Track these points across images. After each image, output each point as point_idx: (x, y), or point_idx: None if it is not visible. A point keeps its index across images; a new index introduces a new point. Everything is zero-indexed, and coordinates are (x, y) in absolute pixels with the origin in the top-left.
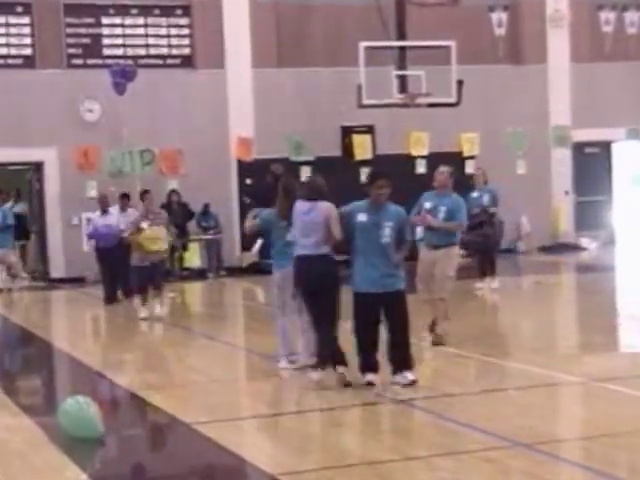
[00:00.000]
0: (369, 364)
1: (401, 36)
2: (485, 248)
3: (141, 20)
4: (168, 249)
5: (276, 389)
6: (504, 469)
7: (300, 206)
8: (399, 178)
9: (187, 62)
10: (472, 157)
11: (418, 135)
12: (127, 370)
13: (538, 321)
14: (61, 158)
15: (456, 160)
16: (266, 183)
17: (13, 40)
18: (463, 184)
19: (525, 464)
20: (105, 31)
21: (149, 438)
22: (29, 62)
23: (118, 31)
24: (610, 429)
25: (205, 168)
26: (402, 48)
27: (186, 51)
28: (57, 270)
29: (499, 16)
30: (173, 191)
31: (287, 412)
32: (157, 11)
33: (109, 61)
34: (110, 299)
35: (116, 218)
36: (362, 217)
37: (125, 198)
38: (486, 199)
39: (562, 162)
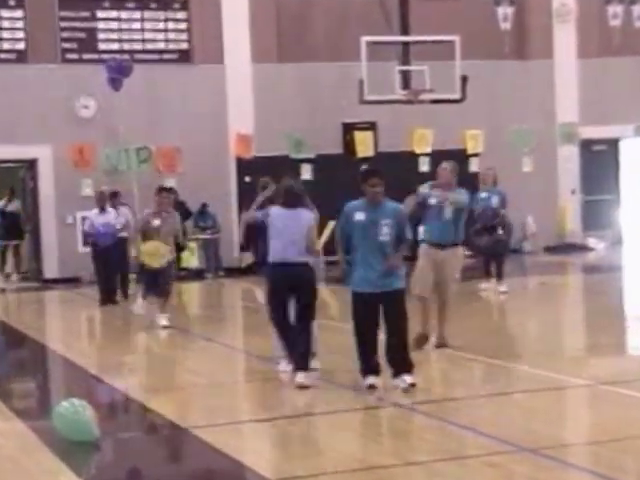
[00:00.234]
0: (370, 366)
1: (404, 30)
2: (497, 253)
3: (138, 14)
4: (171, 258)
5: (275, 392)
6: (508, 474)
7: (280, 213)
8: (402, 176)
9: (185, 57)
10: (476, 154)
11: (421, 132)
12: (123, 372)
13: (544, 323)
14: (55, 155)
15: (460, 157)
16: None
17: (6, 34)
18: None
19: (530, 469)
20: (101, 25)
21: (146, 442)
22: (22, 57)
23: (114, 25)
24: (618, 433)
25: (203, 166)
26: (405, 43)
27: (184, 46)
28: (51, 270)
29: (505, 10)
30: (170, 189)
31: (287, 415)
32: (154, 4)
33: (105, 56)
34: (106, 300)
35: (113, 216)
36: (360, 216)
37: (114, 197)
38: (495, 201)
39: (569, 160)
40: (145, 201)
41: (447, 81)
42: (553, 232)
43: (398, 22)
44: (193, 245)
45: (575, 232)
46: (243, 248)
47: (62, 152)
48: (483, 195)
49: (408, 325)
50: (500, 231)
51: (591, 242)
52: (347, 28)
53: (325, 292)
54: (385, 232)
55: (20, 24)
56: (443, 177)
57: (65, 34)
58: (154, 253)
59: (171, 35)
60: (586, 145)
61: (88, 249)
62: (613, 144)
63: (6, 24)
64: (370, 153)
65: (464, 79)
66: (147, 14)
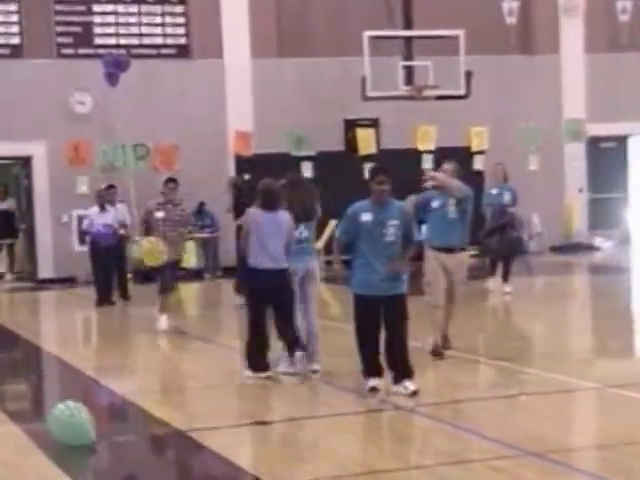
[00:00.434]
0: (372, 368)
1: (408, 25)
2: (513, 253)
3: (134, 8)
4: (183, 253)
5: (275, 394)
6: (514, 479)
7: (261, 215)
8: (405, 174)
9: (183, 52)
10: (481, 152)
11: (425, 129)
12: (120, 374)
13: (550, 324)
14: (50, 152)
15: (465, 155)
16: (234, 197)
17: (0, 28)
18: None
19: (536, 474)
20: (97, 19)
21: (143, 446)
22: (17, 51)
23: (110, 19)
24: (626, 437)
25: (201, 163)
26: (409, 38)
27: (182, 40)
28: (46, 270)
29: (510, 4)
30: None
31: (286, 418)
32: None
33: (101, 51)
34: (102, 301)
35: (113, 216)
36: (366, 217)
37: (110, 191)
38: (507, 197)
39: (576, 157)
40: (142, 199)
41: (451, 77)
42: (559, 231)
43: (401, 16)
44: (191, 244)
45: (582, 231)
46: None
47: (57, 149)
48: (494, 191)
49: (408, 329)
50: (512, 230)
51: (598, 242)
52: (349, 22)
53: (326, 292)
54: (392, 233)
55: (15, 18)
56: (434, 177)
57: (60, 28)
58: (152, 251)
59: (169, 29)
60: (593, 142)
61: (84, 248)
62: (621, 141)
63: (1, 18)
64: (372, 151)
65: (469, 75)
66: (144, 8)
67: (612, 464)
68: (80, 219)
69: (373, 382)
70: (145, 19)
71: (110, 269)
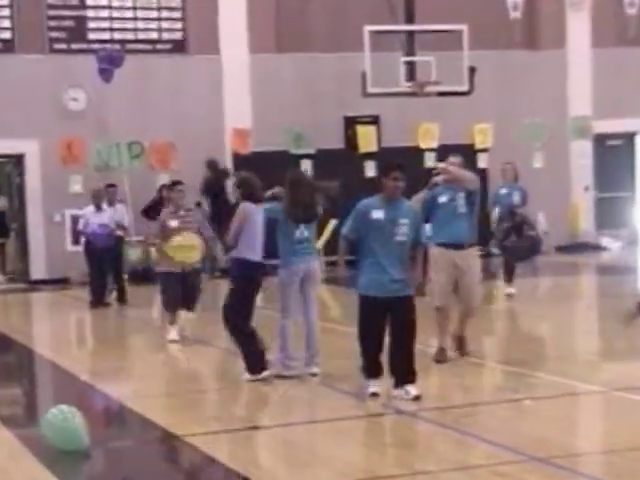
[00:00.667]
0: (374, 368)
1: (409, 19)
2: (530, 255)
3: (129, 1)
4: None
5: (274, 398)
6: None
7: (254, 209)
8: (407, 172)
9: (179, 47)
10: (485, 150)
11: (427, 126)
12: (115, 378)
13: (556, 326)
14: (43, 150)
15: (468, 153)
16: (207, 178)
17: None
18: None
19: (541, 479)
20: (90, 13)
21: (138, 451)
22: (8, 46)
23: (104, 13)
24: (633, 442)
25: (198, 162)
26: (410, 32)
27: (178, 35)
28: (38, 271)
29: None
30: (164, 186)
31: (286, 423)
32: None
33: (95, 46)
34: (97, 302)
35: (109, 216)
36: (378, 214)
37: (111, 190)
38: (516, 198)
39: (582, 155)
40: (137, 199)
41: (454, 72)
42: (565, 231)
43: (403, 10)
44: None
45: (588, 231)
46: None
47: (50, 147)
48: (503, 191)
49: (416, 334)
50: (530, 229)
51: (605, 241)
52: (349, 17)
53: (326, 293)
54: (403, 232)
55: (6, 12)
56: (445, 171)
57: (53, 23)
58: (187, 245)
59: (165, 24)
60: (600, 140)
61: (77, 248)
62: (628, 139)
63: None
64: (373, 148)
65: (472, 70)
66: (139, 2)
67: (617, 469)
68: (73, 218)
69: (374, 387)
70: (140, 13)
71: (106, 270)
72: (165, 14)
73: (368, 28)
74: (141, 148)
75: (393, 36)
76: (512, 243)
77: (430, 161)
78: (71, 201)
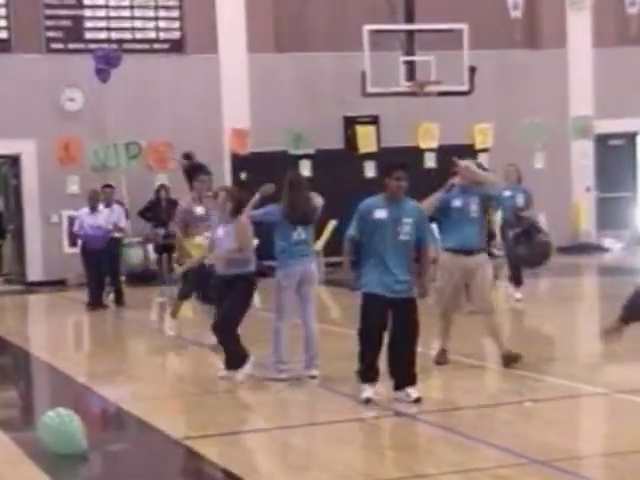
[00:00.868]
0: (370, 373)
1: (409, 18)
2: (542, 260)
3: (127, 1)
4: None
5: (272, 401)
6: None
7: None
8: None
9: (177, 47)
10: (485, 150)
11: (427, 126)
12: (113, 380)
13: (557, 327)
14: (40, 151)
15: (468, 153)
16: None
17: None
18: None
19: None
20: (87, 13)
21: (136, 455)
22: (5, 46)
23: (102, 13)
24: (635, 444)
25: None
26: (410, 32)
27: (176, 35)
28: (35, 272)
29: None
30: (162, 187)
31: (285, 426)
32: None
33: (92, 45)
34: (94, 304)
35: (105, 217)
36: (381, 214)
37: (108, 189)
38: (520, 200)
39: (583, 155)
40: (135, 200)
41: (454, 72)
42: (566, 232)
43: (402, 9)
44: None
45: (590, 232)
46: None
47: (47, 147)
48: (507, 194)
49: (419, 336)
50: (539, 234)
51: (607, 242)
52: (348, 16)
53: (326, 295)
54: (406, 231)
55: (3, 11)
56: (466, 170)
57: (50, 22)
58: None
59: (162, 23)
60: (601, 140)
61: (74, 250)
62: (630, 138)
63: None
64: (373, 149)
65: (472, 70)
66: (137, 1)
67: (620, 471)
68: (70, 220)
69: (368, 392)
70: (138, 12)
71: (103, 272)
72: (163, 13)
73: (368, 27)
74: (139, 148)
75: (393, 35)
76: (524, 251)
77: (430, 161)
78: (68, 202)
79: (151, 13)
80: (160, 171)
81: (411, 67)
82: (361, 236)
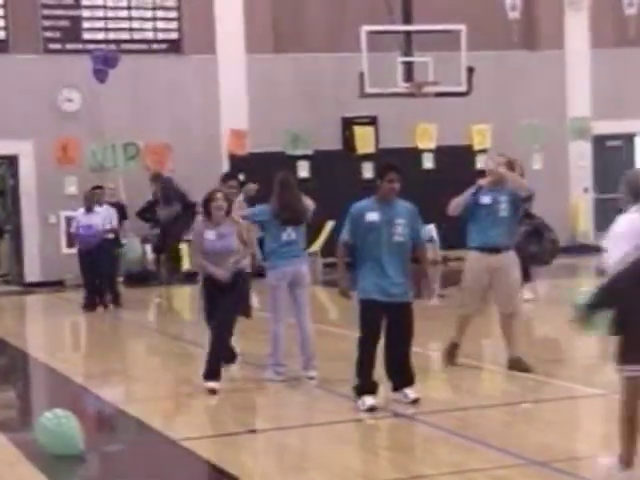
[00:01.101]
0: (369, 386)
1: (407, 19)
2: (551, 259)
3: (124, 1)
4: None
5: (270, 402)
6: None
7: None
8: (404, 174)
9: (175, 47)
10: (483, 151)
11: (425, 127)
12: (110, 381)
13: (555, 329)
14: (37, 151)
15: (466, 154)
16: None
17: None
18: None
19: None
20: (85, 13)
21: (134, 456)
22: (2, 46)
23: (99, 13)
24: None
25: (194, 163)
26: (408, 32)
27: (174, 35)
28: (33, 273)
29: None
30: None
31: (283, 427)
32: None
33: (90, 46)
34: (90, 305)
35: (102, 218)
36: (373, 216)
37: (97, 191)
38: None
39: (581, 156)
40: (133, 200)
41: (452, 73)
42: (564, 233)
43: (400, 10)
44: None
45: (588, 233)
46: None
47: (44, 148)
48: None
49: (413, 336)
50: (548, 232)
51: (605, 243)
52: (346, 17)
53: (324, 296)
54: (400, 232)
55: (0, 12)
56: (495, 174)
57: (47, 23)
58: None
59: (160, 24)
60: (599, 141)
61: (72, 250)
62: (628, 139)
63: None
64: (371, 149)
65: (470, 71)
66: (134, 1)
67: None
68: (68, 220)
69: (371, 401)
70: (135, 13)
71: (97, 272)
72: (160, 14)
73: (366, 28)
74: (136, 149)
75: (391, 36)
76: (535, 248)
77: (428, 162)
78: (66, 203)
79: (149, 14)
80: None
81: (409, 68)
82: (354, 240)
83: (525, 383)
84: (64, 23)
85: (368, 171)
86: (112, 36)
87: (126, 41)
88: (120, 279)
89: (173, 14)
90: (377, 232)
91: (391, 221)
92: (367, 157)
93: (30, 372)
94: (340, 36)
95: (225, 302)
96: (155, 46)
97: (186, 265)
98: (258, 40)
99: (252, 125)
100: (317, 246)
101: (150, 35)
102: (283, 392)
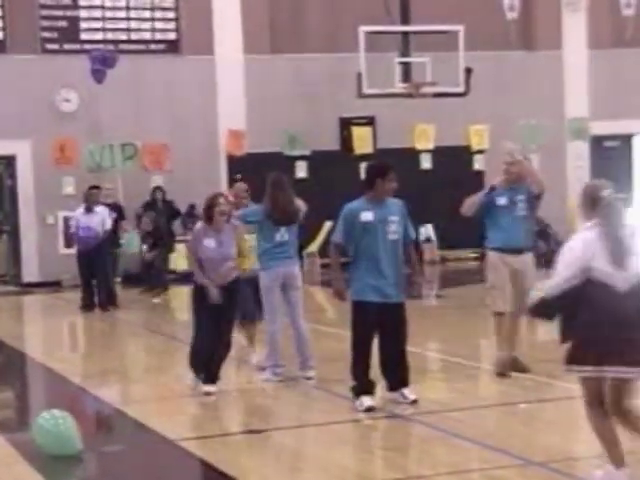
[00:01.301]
0: (367, 387)
1: (405, 20)
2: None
3: (122, 1)
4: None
5: (268, 403)
6: None
7: None
8: (402, 174)
9: (173, 48)
10: (481, 151)
11: (423, 127)
12: (107, 382)
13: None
14: (35, 152)
15: (464, 155)
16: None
17: None
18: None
19: None
20: (83, 13)
21: (131, 456)
22: (0, 47)
23: (97, 13)
24: (632, 446)
25: (192, 163)
26: (406, 33)
27: (171, 36)
28: (31, 273)
29: None
30: (157, 188)
31: (280, 427)
32: None
33: (87, 46)
34: (88, 306)
35: (101, 218)
36: (367, 216)
37: (93, 191)
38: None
39: (579, 157)
40: (131, 201)
41: (450, 73)
42: (562, 233)
43: (398, 11)
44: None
45: None
46: None
47: (42, 148)
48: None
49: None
50: (555, 233)
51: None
52: (344, 17)
53: (321, 296)
54: (394, 230)
55: None
56: (513, 171)
57: (45, 23)
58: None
59: (158, 24)
60: (597, 141)
61: (70, 251)
62: (626, 140)
63: None
64: (369, 150)
65: (468, 71)
66: (133, 2)
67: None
68: (66, 220)
69: (369, 402)
70: (133, 13)
71: (95, 272)
72: (158, 14)
73: (363, 29)
74: (134, 149)
75: (389, 37)
76: (544, 248)
77: (426, 162)
78: (64, 203)
79: (147, 14)
80: (156, 172)
81: (407, 68)
82: (348, 241)
83: (523, 383)
84: (62, 23)
85: (371, 168)
86: (110, 36)
87: (124, 41)
88: (118, 279)
89: (171, 14)
90: (373, 231)
91: (385, 219)
92: (365, 157)
93: (28, 372)
94: (338, 36)
95: (228, 309)
96: (153, 46)
97: (184, 265)
98: (256, 40)
99: (250, 125)
100: (315, 246)
101: (148, 35)
102: (281, 392)
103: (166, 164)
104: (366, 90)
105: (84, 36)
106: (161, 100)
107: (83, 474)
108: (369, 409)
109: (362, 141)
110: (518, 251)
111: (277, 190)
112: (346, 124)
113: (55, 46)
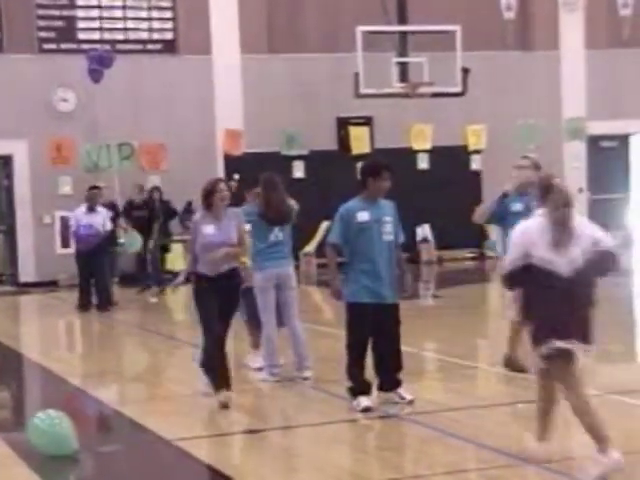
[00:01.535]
0: (364, 387)
1: (402, 20)
2: None
3: (119, 1)
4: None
5: (264, 403)
6: None
7: None
8: (400, 174)
9: (170, 47)
10: (478, 151)
11: (420, 127)
12: (104, 382)
13: None
14: (32, 151)
15: (461, 154)
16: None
17: None
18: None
19: None
20: (80, 13)
21: (128, 456)
22: None
23: (94, 13)
24: (628, 446)
25: (189, 163)
26: (403, 33)
27: (169, 35)
28: (27, 273)
29: None
30: (154, 188)
31: (277, 427)
32: None
33: (84, 46)
34: (84, 305)
35: (103, 217)
36: (363, 216)
37: (93, 191)
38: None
39: (576, 157)
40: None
41: (447, 73)
42: None
43: (395, 11)
44: (178, 246)
45: None
46: None
47: (39, 148)
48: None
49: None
50: None
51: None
52: (342, 17)
53: (318, 296)
54: (389, 230)
55: None
56: (523, 177)
57: (42, 23)
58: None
59: (155, 24)
60: (594, 141)
61: (67, 251)
62: (623, 140)
63: None
64: (366, 150)
65: (465, 71)
66: (130, 1)
67: (614, 474)
68: (63, 220)
69: (367, 402)
70: (130, 13)
71: (93, 272)
72: (155, 14)
73: (361, 28)
74: (131, 149)
75: (386, 37)
76: None
77: (423, 163)
78: (61, 203)
79: (144, 14)
80: (153, 172)
81: (404, 68)
82: (344, 241)
83: (519, 383)
84: (59, 23)
85: (365, 166)
86: (107, 36)
87: (121, 41)
88: (115, 279)
89: (168, 14)
90: (369, 232)
91: (380, 220)
92: (362, 157)
93: (24, 372)
94: (335, 36)
95: (224, 308)
96: (150, 46)
97: (181, 265)
98: (253, 40)
99: (247, 125)
100: (312, 246)
101: (145, 35)
102: (277, 393)
103: (163, 164)
104: (363, 90)
105: (81, 36)
106: (158, 100)
107: (79, 474)
108: (366, 409)
109: (359, 141)
110: None
111: (270, 190)
112: (343, 124)
113: (52, 46)
